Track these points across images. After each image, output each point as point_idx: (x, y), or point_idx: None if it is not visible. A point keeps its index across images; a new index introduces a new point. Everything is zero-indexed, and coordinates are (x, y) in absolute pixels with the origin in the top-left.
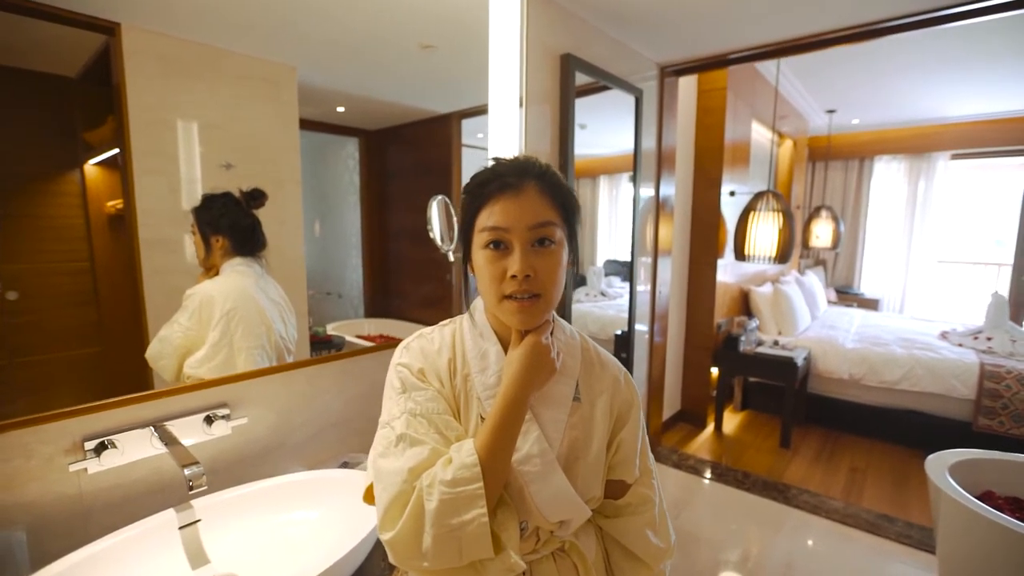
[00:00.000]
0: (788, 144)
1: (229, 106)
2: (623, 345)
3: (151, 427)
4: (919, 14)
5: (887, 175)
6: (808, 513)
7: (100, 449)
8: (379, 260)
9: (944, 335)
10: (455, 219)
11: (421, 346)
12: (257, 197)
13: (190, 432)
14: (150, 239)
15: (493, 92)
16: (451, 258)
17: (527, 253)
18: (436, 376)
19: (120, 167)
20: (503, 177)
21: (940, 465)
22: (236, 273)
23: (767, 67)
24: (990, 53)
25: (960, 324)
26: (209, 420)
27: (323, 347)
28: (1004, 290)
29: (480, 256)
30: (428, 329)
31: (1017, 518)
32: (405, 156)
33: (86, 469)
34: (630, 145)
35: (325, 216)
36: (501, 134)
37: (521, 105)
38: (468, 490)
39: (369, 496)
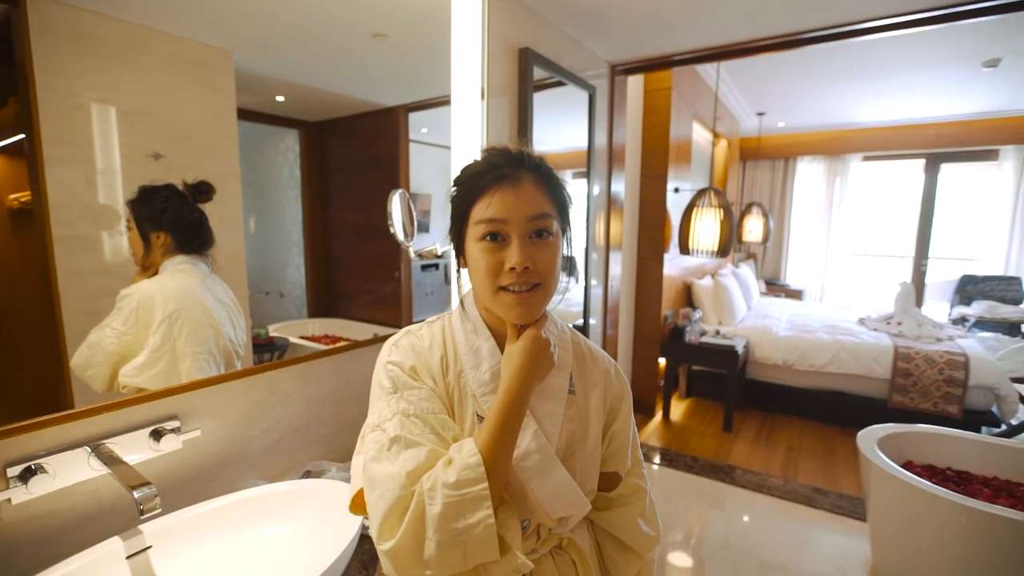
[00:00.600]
0: (723, 144)
1: (157, 91)
2: None
3: (87, 447)
4: (838, 26)
5: (808, 174)
6: (752, 491)
7: (26, 475)
8: (323, 257)
9: (862, 321)
10: (415, 213)
11: (411, 343)
12: (204, 191)
13: (135, 449)
14: (65, 236)
15: (456, 84)
16: (411, 254)
17: (526, 245)
18: (428, 374)
19: (27, 155)
20: (499, 168)
21: (870, 439)
22: (179, 272)
23: (707, 70)
24: (894, 65)
25: (874, 311)
26: (157, 435)
27: (265, 350)
28: (907, 279)
29: (475, 248)
30: (416, 326)
31: (934, 482)
32: (349, 150)
33: (9, 499)
34: (579, 142)
35: (263, 212)
36: (463, 127)
37: (483, 97)
38: (473, 491)
39: (357, 505)
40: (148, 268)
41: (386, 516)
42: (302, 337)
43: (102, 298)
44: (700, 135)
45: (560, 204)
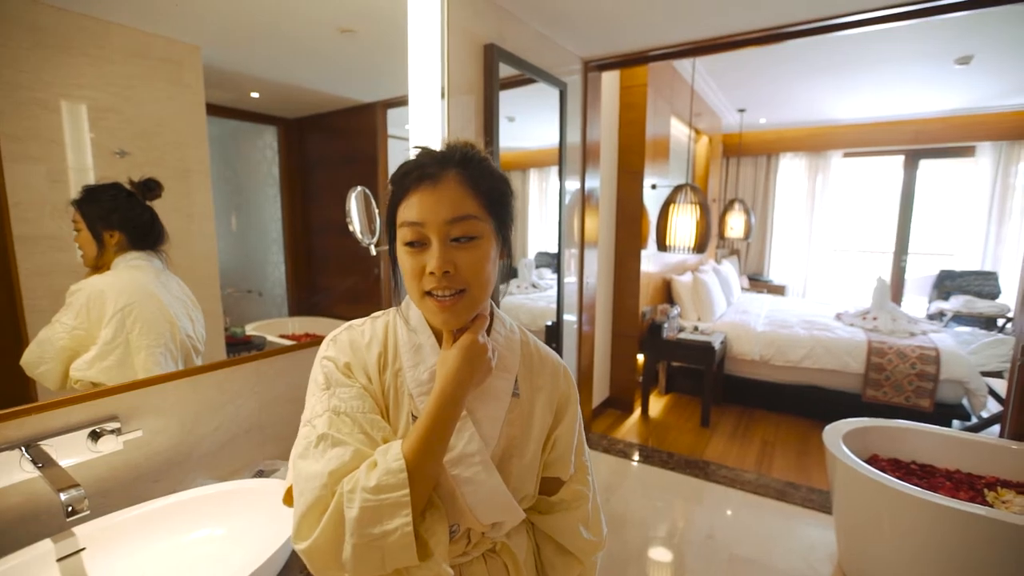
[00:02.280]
0: (704, 140)
1: (122, 87)
2: (553, 335)
3: (20, 448)
4: (814, 21)
5: (790, 170)
6: (726, 487)
7: None
8: (303, 255)
9: (839, 316)
10: (376, 211)
11: (350, 338)
12: (152, 188)
13: (72, 451)
14: (28, 235)
15: (413, 81)
16: (373, 252)
17: (447, 248)
18: (364, 371)
19: None
20: (423, 167)
21: (835, 434)
22: (131, 268)
23: (684, 66)
24: (871, 62)
25: (852, 306)
26: (95, 436)
27: (242, 348)
28: (887, 274)
29: (401, 251)
30: (359, 321)
31: (897, 476)
32: (328, 146)
33: None
34: (555, 139)
35: (242, 209)
36: (423, 125)
37: (443, 96)
38: (392, 497)
39: (289, 498)
40: (100, 267)
41: (304, 515)
42: (281, 336)
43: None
44: (679, 131)
45: (492, 202)
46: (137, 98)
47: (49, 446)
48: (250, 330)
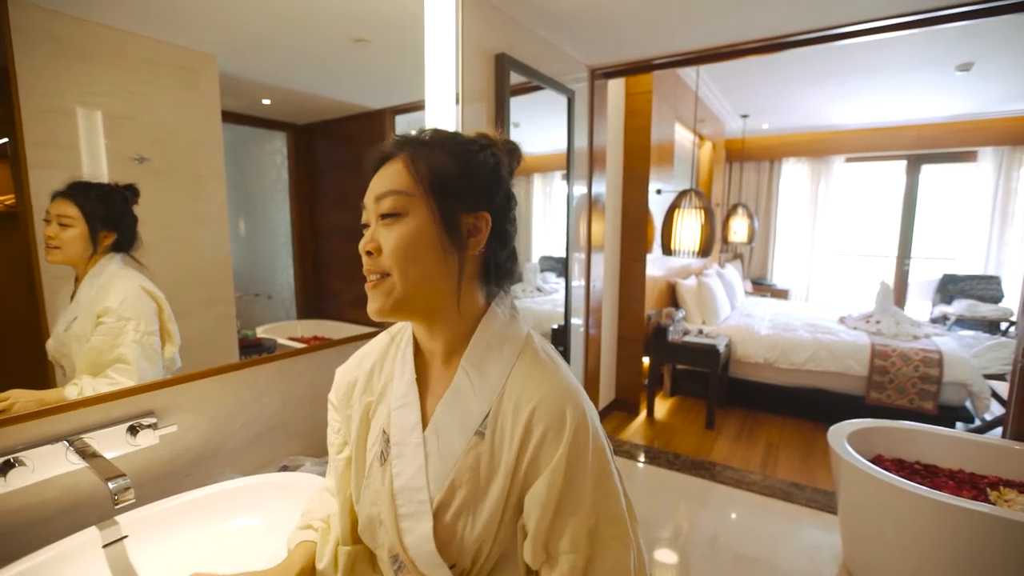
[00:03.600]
0: (708, 146)
1: (140, 95)
2: (560, 339)
3: (65, 441)
4: (817, 31)
5: (793, 175)
6: (731, 487)
7: (5, 469)
8: (311, 259)
9: (842, 320)
10: None
11: (362, 352)
12: (137, 194)
13: (112, 444)
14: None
15: (430, 89)
16: None
17: (375, 227)
18: (346, 398)
19: (10, 158)
20: (380, 149)
21: (839, 435)
22: (128, 270)
23: (688, 73)
24: (873, 68)
25: (855, 310)
26: (133, 430)
27: (253, 351)
28: (890, 278)
29: None
30: (388, 330)
31: (901, 476)
32: (336, 152)
33: None
34: (562, 144)
35: (250, 214)
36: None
37: (458, 102)
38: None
39: None
40: (85, 268)
41: None
42: (290, 338)
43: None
44: (683, 137)
45: (434, 177)
46: (154, 105)
47: (92, 438)
48: (260, 333)
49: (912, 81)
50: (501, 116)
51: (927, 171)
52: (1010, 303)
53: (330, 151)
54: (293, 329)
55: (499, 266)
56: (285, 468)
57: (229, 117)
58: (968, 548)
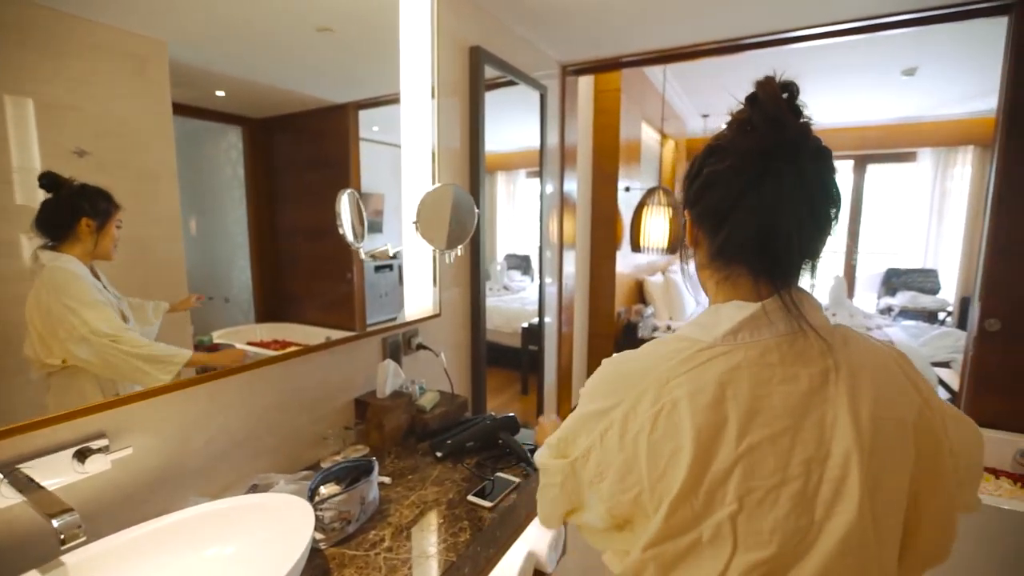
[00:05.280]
0: (671, 144)
1: (81, 82)
2: (532, 337)
3: None
4: (774, 33)
5: None
6: None
7: None
8: (270, 260)
9: None
10: (365, 214)
11: None
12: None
13: (55, 472)
14: None
15: (404, 82)
16: (363, 255)
17: None
18: None
19: None
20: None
21: None
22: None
23: (654, 73)
24: (824, 72)
25: None
26: (82, 455)
27: None
28: (840, 273)
29: None
30: None
31: None
32: (296, 148)
33: None
34: (527, 142)
35: (204, 213)
36: (413, 125)
37: (433, 96)
38: None
39: None
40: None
41: None
42: (249, 343)
43: (21, 307)
44: (649, 135)
45: None
46: (97, 95)
47: (31, 467)
48: (217, 338)
49: (861, 84)
50: (476, 111)
51: (872, 170)
52: (946, 294)
53: (290, 147)
54: (252, 333)
55: None
56: (255, 488)
57: (180, 109)
58: None
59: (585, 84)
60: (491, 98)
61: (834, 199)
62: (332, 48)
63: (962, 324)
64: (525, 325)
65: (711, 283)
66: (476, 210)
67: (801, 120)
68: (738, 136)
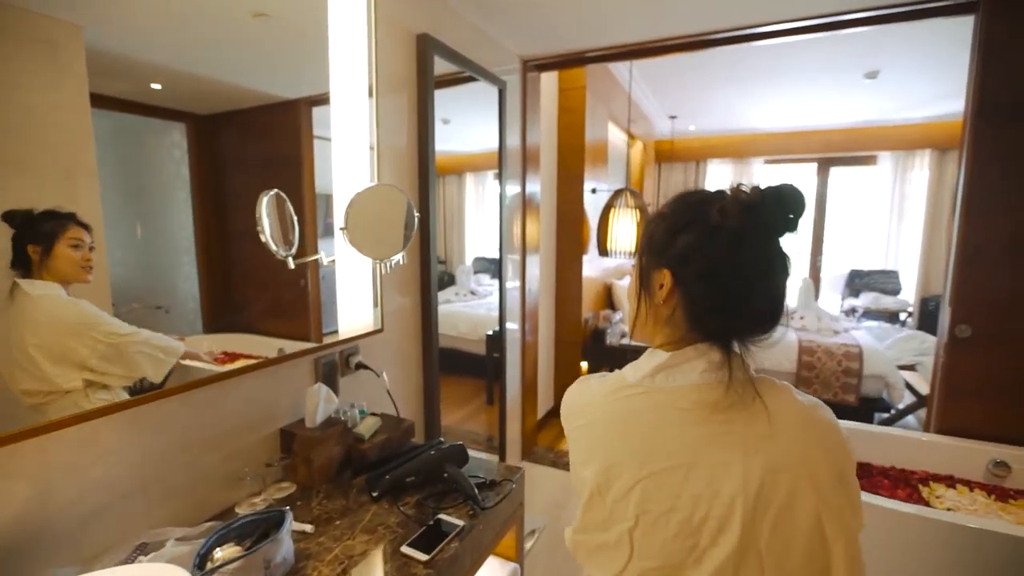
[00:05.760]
0: (639, 145)
1: None
2: (495, 345)
3: None
4: (735, 29)
5: (717, 176)
6: None
7: None
8: (219, 266)
9: None
10: (294, 217)
11: None
12: None
13: None
14: None
15: (335, 78)
16: (291, 265)
17: None
18: None
19: None
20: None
21: None
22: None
23: (621, 72)
24: (789, 74)
25: None
26: None
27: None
28: (805, 274)
29: None
30: None
31: None
32: (246, 146)
33: None
34: (496, 142)
35: (146, 216)
36: (346, 120)
37: (372, 95)
38: None
39: None
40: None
41: None
42: (188, 356)
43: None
44: (616, 136)
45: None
46: (3, 84)
47: None
48: None
49: (825, 87)
50: (425, 108)
51: (835, 173)
52: (907, 295)
53: (239, 145)
54: (199, 344)
55: None
56: (143, 548)
57: (112, 103)
58: (905, 549)
59: (549, 81)
60: (454, 94)
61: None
62: (271, 36)
63: (923, 325)
64: (490, 332)
65: (650, 325)
66: (416, 214)
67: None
68: (760, 218)
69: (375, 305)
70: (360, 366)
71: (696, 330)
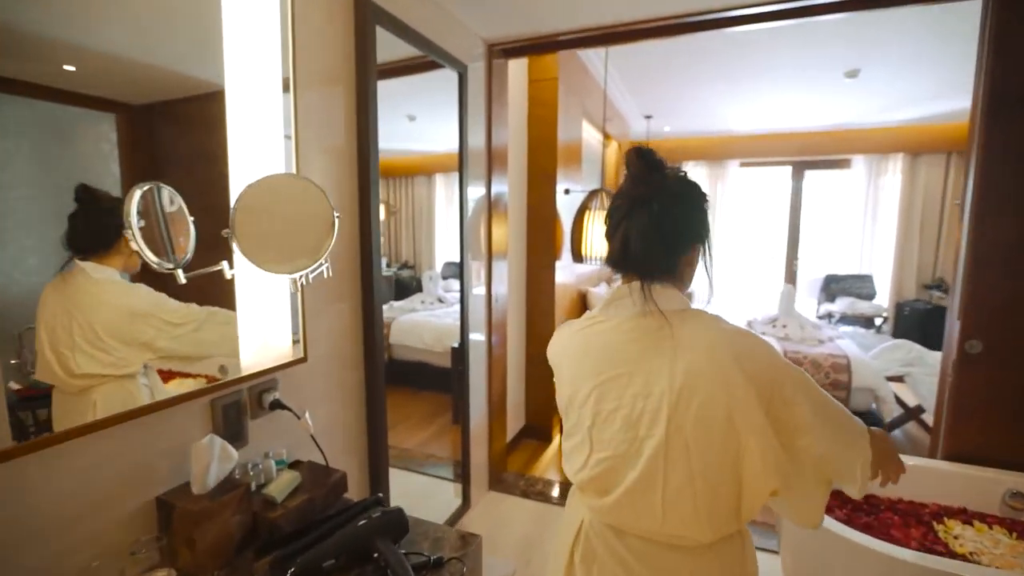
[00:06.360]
0: (614, 145)
1: None
2: (460, 358)
3: None
4: (708, 12)
5: (693, 178)
6: None
7: None
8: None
9: (749, 324)
10: (190, 221)
11: None
12: None
13: None
14: None
15: (231, 67)
16: (182, 280)
17: None
18: None
19: None
20: None
21: None
22: None
23: (596, 66)
24: (765, 71)
25: (759, 313)
26: None
27: (41, 404)
28: (781, 280)
29: None
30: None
31: (843, 514)
32: (184, 140)
33: None
34: (468, 142)
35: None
36: (246, 126)
37: (288, 90)
38: None
39: None
40: None
41: None
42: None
43: None
44: (591, 135)
45: None
46: None
47: None
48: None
49: (804, 87)
50: (365, 94)
51: (810, 176)
52: (881, 299)
53: (178, 139)
54: None
55: None
56: None
57: (23, 88)
58: None
59: (517, 71)
60: (420, 89)
61: (681, 226)
62: (198, 12)
63: (898, 330)
64: (455, 345)
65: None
66: (336, 214)
67: (659, 173)
68: (624, 186)
69: (295, 328)
70: (276, 405)
71: (619, 270)
